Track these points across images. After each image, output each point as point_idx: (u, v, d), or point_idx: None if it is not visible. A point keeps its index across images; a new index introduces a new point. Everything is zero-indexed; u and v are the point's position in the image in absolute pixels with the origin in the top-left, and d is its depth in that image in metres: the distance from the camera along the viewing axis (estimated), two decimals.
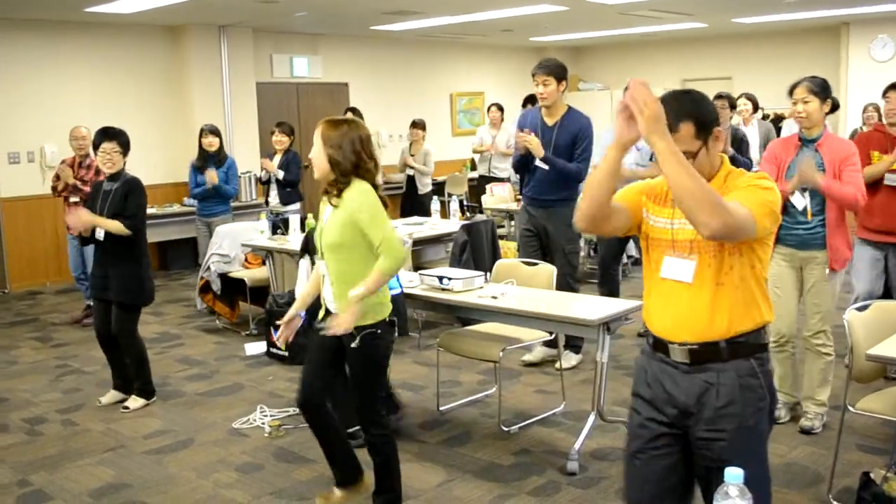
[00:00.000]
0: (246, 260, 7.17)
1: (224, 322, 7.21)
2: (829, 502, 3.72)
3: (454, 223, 7.19)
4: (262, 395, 5.35)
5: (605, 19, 10.80)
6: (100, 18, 9.12)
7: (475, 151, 10.80)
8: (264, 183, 8.05)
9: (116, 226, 4.93)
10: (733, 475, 1.97)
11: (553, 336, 4.89)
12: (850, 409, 3.63)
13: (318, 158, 3.42)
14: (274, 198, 7.87)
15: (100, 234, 5.02)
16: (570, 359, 5.68)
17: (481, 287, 4.66)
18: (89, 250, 6.89)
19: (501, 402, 4.93)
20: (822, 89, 4.26)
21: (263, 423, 4.83)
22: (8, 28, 8.92)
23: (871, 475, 3.52)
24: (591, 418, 4.24)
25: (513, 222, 8.35)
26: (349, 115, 8.49)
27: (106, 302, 5.13)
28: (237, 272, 7.00)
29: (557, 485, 3.96)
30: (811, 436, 4.41)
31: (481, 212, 9.13)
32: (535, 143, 5.30)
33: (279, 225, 6.94)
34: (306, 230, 5.71)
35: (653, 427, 2.45)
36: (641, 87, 2.17)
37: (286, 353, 5.92)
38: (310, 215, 3.76)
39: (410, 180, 9.88)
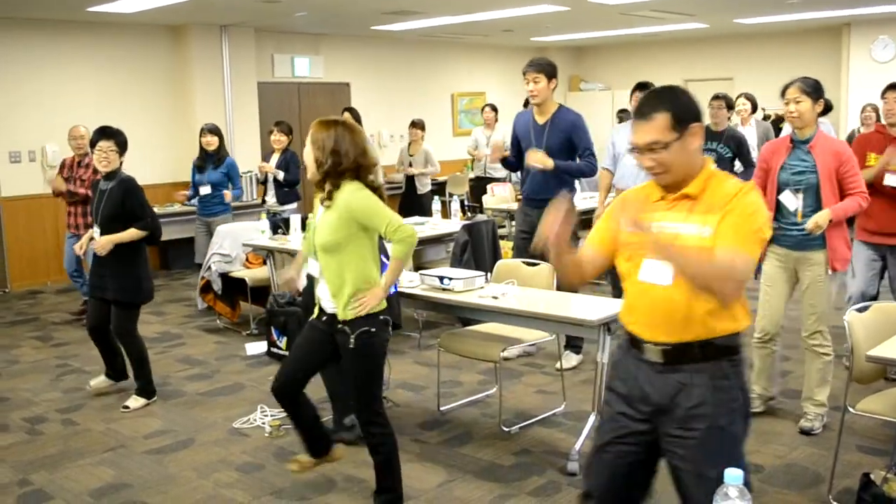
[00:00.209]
0: (247, 260, 7.18)
1: (225, 322, 7.22)
2: (829, 503, 3.72)
3: (455, 223, 7.19)
4: (263, 395, 5.35)
5: (607, 19, 10.80)
6: (102, 18, 9.13)
7: (470, 154, 10.84)
8: (262, 183, 8.07)
9: (134, 234, 5.02)
10: (733, 476, 1.97)
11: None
12: (851, 410, 3.63)
13: (308, 158, 3.48)
14: (271, 197, 7.87)
15: (96, 234, 5.08)
16: (570, 359, 5.68)
17: (482, 287, 4.66)
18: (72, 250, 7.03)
19: (502, 402, 4.93)
20: (814, 90, 4.27)
21: (264, 423, 4.83)
22: (10, 27, 8.92)
23: (872, 476, 3.52)
24: (592, 418, 4.24)
25: (513, 222, 8.35)
26: (346, 115, 8.51)
27: (103, 300, 5.17)
28: (238, 272, 7.00)
29: (558, 485, 3.96)
30: (811, 437, 4.41)
31: (482, 212, 9.13)
32: (540, 158, 5.28)
33: (280, 225, 6.93)
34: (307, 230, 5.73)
35: (624, 422, 2.49)
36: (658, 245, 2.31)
37: (287, 353, 5.92)
38: (310, 215, 3.77)
39: (410, 180, 9.88)
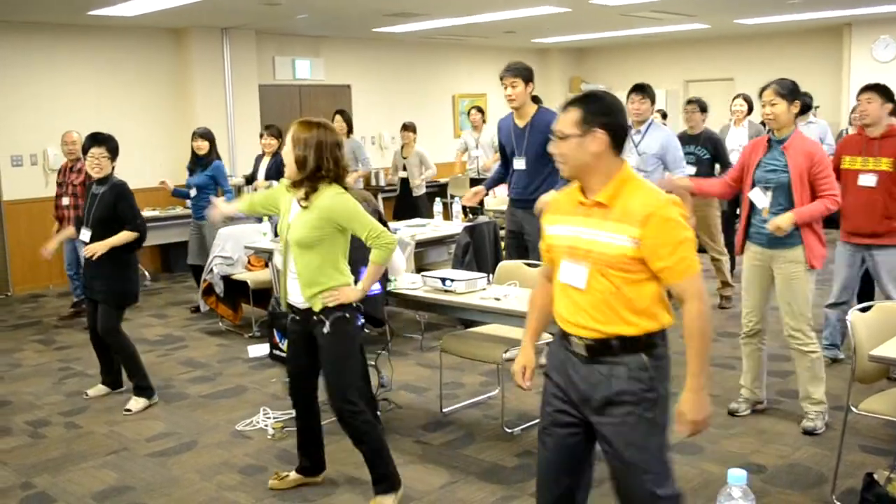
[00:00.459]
0: (249, 262, 7.18)
1: (227, 324, 7.22)
2: (832, 503, 3.72)
3: (456, 225, 7.20)
4: (265, 398, 5.36)
5: (608, 21, 10.80)
6: (103, 21, 9.13)
7: (459, 158, 10.85)
8: (249, 183, 8.19)
9: (127, 237, 5.11)
10: (736, 477, 1.97)
11: None
12: (853, 409, 3.63)
13: (287, 157, 3.56)
14: None
15: (85, 236, 5.18)
16: None
17: (484, 289, 4.66)
18: (81, 248, 7.12)
19: (504, 403, 4.93)
20: (789, 91, 4.34)
21: (266, 426, 4.83)
22: (11, 31, 8.93)
23: (875, 476, 3.52)
24: None
25: None
26: (337, 117, 8.56)
27: (96, 301, 5.26)
28: (240, 274, 7.00)
29: None
30: (814, 437, 4.41)
31: (483, 213, 9.12)
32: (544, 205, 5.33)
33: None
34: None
35: (558, 406, 2.64)
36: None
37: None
38: (281, 208, 3.87)
39: (404, 182, 9.90)
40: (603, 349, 2.52)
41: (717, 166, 7.08)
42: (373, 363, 5.15)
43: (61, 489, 4.12)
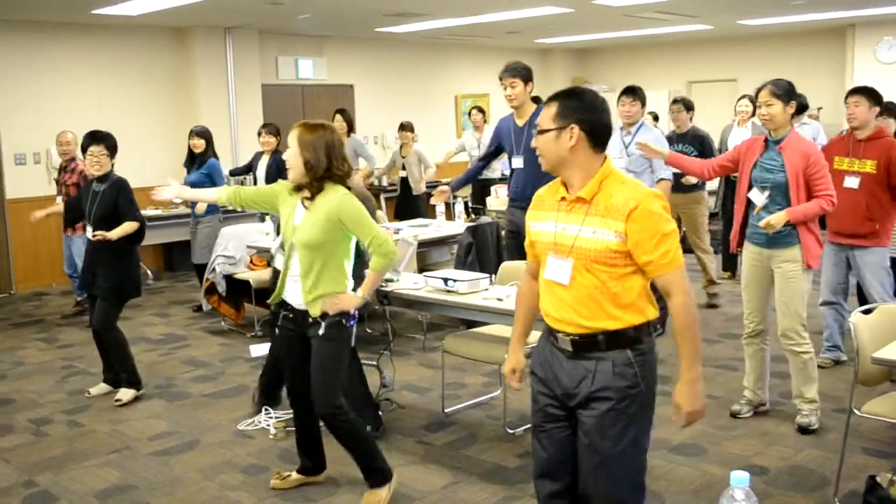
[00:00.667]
0: (251, 262, 7.19)
1: (229, 323, 7.23)
2: None
3: (459, 225, 7.21)
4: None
5: (611, 21, 10.80)
6: (106, 21, 9.14)
7: (447, 157, 10.86)
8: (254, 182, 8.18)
9: (130, 227, 5.18)
10: (739, 479, 1.97)
11: None
12: (856, 412, 3.62)
13: (293, 160, 3.53)
14: None
15: (88, 234, 5.24)
16: None
17: (486, 289, 4.66)
18: (76, 247, 7.23)
19: (507, 404, 4.93)
20: (785, 92, 4.35)
21: (269, 425, 4.83)
22: (14, 30, 8.95)
23: (877, 479, 3.52)
24: None
25: None
26: (338, 117, 8.58)
27: (96, 297, 5.32)
28: (242, 273, 7.01)
29: None
30: (817, 439, 4.41)
31: (486, 214, 9.12)
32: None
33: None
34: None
35: (545, 402, 2.67)
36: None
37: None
38: (282, 209, 3.87)
39: (404, 182, 9.90)
40: (589, 344, 2.54)
41: None
42: (375, 363, 5.15)
43: (64, 487, 4.13)
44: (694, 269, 7.56)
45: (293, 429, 4.66)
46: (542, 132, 2.57)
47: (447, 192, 5.80)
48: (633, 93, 6.10)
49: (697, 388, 2.53)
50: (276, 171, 7.71)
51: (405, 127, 9.88)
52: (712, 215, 9.63)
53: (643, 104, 6.17)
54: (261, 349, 6.35)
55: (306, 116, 11.33)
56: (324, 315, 3.58)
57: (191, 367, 6.15)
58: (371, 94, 12.33)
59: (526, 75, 5.41)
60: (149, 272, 9.20)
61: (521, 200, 5.56)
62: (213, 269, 7.06)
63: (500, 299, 4.43)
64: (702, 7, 9.95)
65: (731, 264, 8.48)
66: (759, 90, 4.42)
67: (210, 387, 5.66)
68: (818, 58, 12.67)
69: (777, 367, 5.02)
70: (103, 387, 5.54)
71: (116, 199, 5.16)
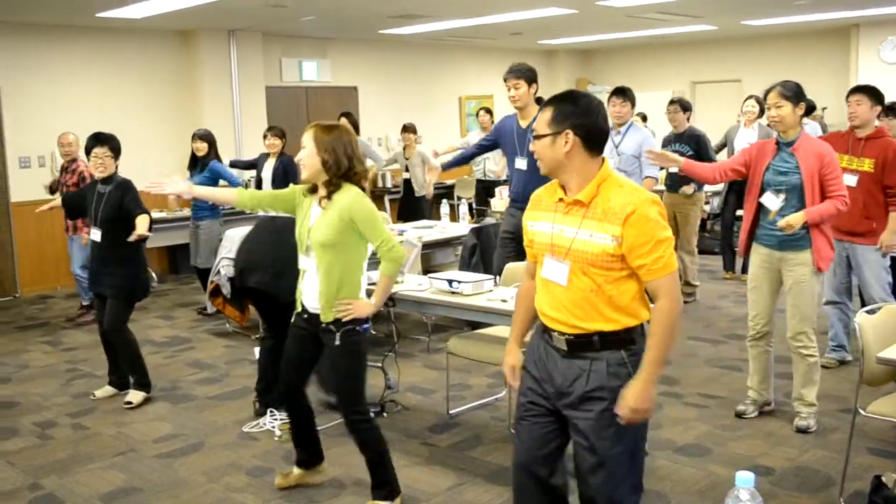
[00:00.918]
0: None
1: (234, 325, 7.23)
2: None
3: (463, 226, 7.21)
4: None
5: (614, 22, 10.80)
6: (110, 24, 9.16)
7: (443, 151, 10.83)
8: (257, 187, 8.15)
9: (146, 219, 5.10)
10: (744, 479, 1.97)
11: None
12: (861, 412, 3.62)
13: (309, 160, 3.53)
14: None
15: (95, 235, 5.25)
16: None
17: (491, 290, 4.66)
18: (78, 249, 7.31)
19: (511, 405, 4.92)
20: (794, 94, 4.35)
21: (273, 427, 4.83)
22: (19, 33, 8.97)
23: (883, 479, 3.51)
24: None
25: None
26: (343, 119, 8.59)
27: (105, 298, 5.31)
28: None
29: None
30: (822, 439, 4.40)
31: (490, 215, 9.12)
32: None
33: None
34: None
35: (533, 397, 2.70)
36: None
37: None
38: (298, 209, 3.85)
39: (407, 184, 9.91)
40: (583, 344, 2.57)
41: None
42: (380, 365, 5.15)
43: (69, 490, 4.13)
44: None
45: None
46: (538, 137, 2.59)
47: (437, 171, 5.92)
48: (623, 94, 6.34)
49: (651, 389, 2.52)
50: (283, 173, 7.71)
51: (408, 129, 9.90)
52: (714, 216, 9.65)
53: (633, 105, 6.43)
54: None
55: (310, 118, 11.34)
56: (336, 322, 3.55)
57: (195, 369, 6.16)
58: (375, 96, 12.34)
59: (530, 76, 5.42)
60: (153, 275, 9.21)
61: (521, 202, 5.54)
62: (218, 272, 7.05)
63: (504, 300, 4.43)
64: (705, 7, 9.94)
65: (731, 264, 8.52)
66: (767, 92, 4.42)
67: (215, 389, 5.67)
68: (822, 58, 12.65)
69: (781, 368, 5.01)
70: (108, 389, 5.55)
71: (122, 200, 5.16)
